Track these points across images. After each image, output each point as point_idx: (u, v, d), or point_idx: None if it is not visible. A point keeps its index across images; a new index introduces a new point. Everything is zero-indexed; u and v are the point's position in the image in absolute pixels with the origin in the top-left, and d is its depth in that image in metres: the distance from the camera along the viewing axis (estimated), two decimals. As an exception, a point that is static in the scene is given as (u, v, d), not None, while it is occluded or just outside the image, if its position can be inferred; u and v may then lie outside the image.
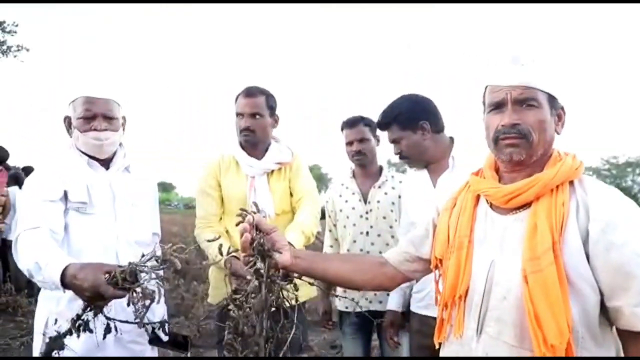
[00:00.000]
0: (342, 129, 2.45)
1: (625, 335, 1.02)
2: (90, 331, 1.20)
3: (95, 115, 1.63)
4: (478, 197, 1.20)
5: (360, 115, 2.44)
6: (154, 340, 1.71)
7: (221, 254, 1.14)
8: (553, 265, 0.98)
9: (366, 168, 2.44)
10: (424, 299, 1.94)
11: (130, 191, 1.72)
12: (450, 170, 1.89)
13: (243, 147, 2.12)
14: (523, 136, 1.09)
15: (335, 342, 4.24)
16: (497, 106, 1.13)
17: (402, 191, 2.22)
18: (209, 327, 4.22)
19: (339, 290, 2.45)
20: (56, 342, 1.18)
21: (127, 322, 1.24)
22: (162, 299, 1.66)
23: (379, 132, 2.49)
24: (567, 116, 1.17)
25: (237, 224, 1.14)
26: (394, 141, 1.95)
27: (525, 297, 1.01)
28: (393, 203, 2.34)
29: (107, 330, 1.23)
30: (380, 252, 2.34)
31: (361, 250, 2.36)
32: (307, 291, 2.02)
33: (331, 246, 2.54)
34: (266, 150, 2.12)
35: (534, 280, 1.00)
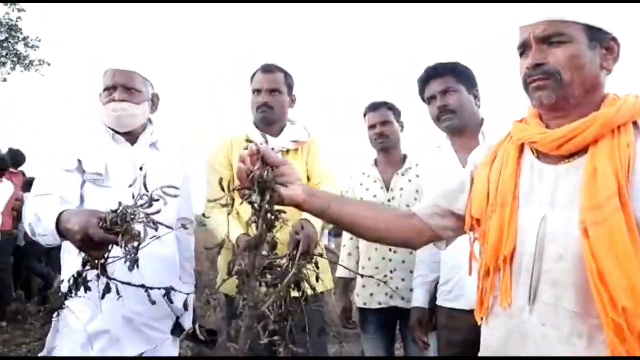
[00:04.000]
0: (364, 115, 2.37)
1: None
2: (89, 289, 1.10)
3: (116, 86, 1.61)
4: (522, 148, 1.06)
5: (384, 100, 2.37)
6: (177, 331, 1.63)
7: (222, 189, 1.01)
8: (620, 213, 0.83)
9: (389, 154, 2.34)
10: (453, 291, 1.78)
11: (155, 169, 1.63)
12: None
13: (257, 127, 2.03)
14: (550, 76, 0.96)
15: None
16: (523, 48, 1.02)
17: (422, 174, 2.10)
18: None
19: (358, 286, 2.31)
20: (57, 301, 1.09)
21: (129, 284, 1.13)
22: (192, 299, 1.58)
23: (402, 117, 2.39)
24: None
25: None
26: (444, 92, 1.82)
27: (587, 254, 0.86)
28: (417, 191, 2.22)
29: (107, 289, 1.12)
30: (404, 243, 2.22)
31: (383, 241, 2.23)
32: (326, 281, 1.89)
33: (351, 238, 2.40)
34: (282, 131, 2.03)
35: (597, 233, 0.85)
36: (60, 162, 1.54)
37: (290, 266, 1.21)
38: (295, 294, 1.22)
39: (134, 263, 0.99)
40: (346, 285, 2.43)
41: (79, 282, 1.08)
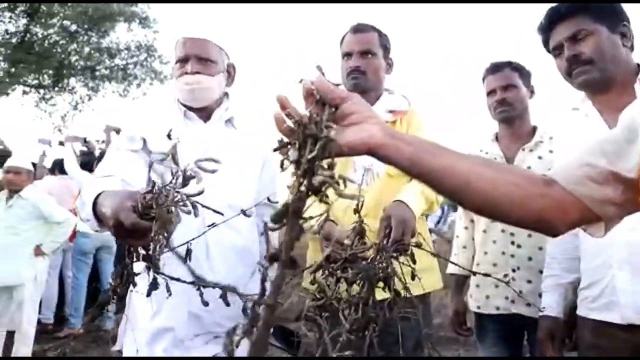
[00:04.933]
0: (483, 79, 1.98)
1: None
2: (134, 284, 0.96)
3: (188, 57, 1.47)
4: None
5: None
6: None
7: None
8: None
9: (513, 126, 1.92)
10: (601, 296, 1.33)
11: (230, 148, 1.50)
12: None
13: None
14: None
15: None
16: None
17: (556, 148, 1.68)
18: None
19: (472, 286, 1.95)
20: (98, 307, 0.97)
21: (177, 279, 0.97)
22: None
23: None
24: None
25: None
26: (573, 37, 1.40)
27: None
28: (550, 170, 1.78)
29: (153, 285, 0.97)
30: (530, 235, 1.79)
31: (502, 231, 1.83)
32: (430, 280, 1.58)
33: (466, 227, 2.04)
34: (377, 100, 1.74)
35: None
36: (125, 142, 1.44)
37: (378, 259, 1.02)
38: (383, 294, 0.97)
39: (161, 252, 0.81)
40: (459, 284, 2.06)
41: (124, 275, 0.95)
